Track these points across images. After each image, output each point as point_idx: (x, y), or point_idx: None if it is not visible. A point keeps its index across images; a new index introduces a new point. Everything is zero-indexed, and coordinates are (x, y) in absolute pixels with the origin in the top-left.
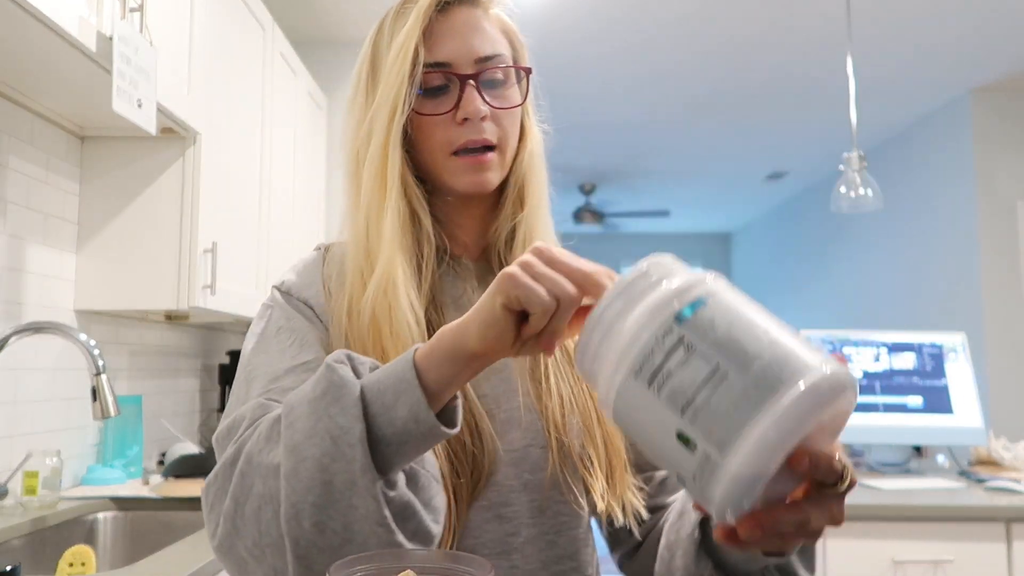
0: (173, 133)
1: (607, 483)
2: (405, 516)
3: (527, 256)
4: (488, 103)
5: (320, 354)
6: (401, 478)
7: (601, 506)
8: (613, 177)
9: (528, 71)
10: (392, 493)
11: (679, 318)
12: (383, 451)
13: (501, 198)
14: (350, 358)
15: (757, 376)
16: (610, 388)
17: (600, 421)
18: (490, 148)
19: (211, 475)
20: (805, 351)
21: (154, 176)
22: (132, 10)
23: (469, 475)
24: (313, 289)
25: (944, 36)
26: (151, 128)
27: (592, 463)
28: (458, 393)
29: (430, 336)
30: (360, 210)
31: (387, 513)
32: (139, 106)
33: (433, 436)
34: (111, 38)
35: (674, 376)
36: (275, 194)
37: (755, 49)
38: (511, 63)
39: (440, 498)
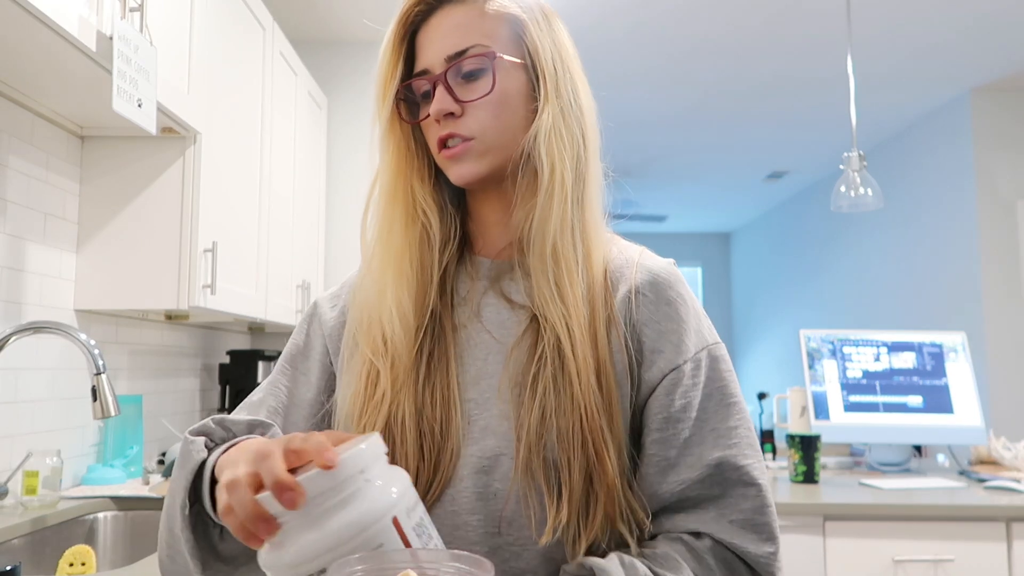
0: (173, 133)
1: (578, 516)
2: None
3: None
4: (457, 99)
5: (278, 395)
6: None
7: (547, 539)
8: (612, 176)
9: (492, 56)
10: (221, 546)
11: None
12: (211, 519)
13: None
14: (220, 423)
15: None
16: None
17: (578, 448)
18: (467, 140)
19: None
20: None
21: (154, 176)
22: (132, 10)
23: (433, 464)
24: (336, 303)
25: (944, 35)
26: (151, 128)
27: (558, 489)
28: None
29: (432, 326)
30: (372, 216)
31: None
32: (139, 106)
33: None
34: (111, 38)
35: None
36: (275, 194)
37: (755, 49)
38: (486, 50)
39: None
